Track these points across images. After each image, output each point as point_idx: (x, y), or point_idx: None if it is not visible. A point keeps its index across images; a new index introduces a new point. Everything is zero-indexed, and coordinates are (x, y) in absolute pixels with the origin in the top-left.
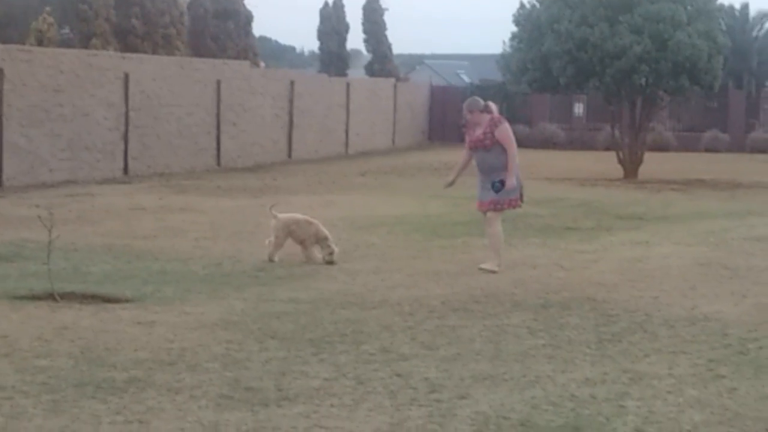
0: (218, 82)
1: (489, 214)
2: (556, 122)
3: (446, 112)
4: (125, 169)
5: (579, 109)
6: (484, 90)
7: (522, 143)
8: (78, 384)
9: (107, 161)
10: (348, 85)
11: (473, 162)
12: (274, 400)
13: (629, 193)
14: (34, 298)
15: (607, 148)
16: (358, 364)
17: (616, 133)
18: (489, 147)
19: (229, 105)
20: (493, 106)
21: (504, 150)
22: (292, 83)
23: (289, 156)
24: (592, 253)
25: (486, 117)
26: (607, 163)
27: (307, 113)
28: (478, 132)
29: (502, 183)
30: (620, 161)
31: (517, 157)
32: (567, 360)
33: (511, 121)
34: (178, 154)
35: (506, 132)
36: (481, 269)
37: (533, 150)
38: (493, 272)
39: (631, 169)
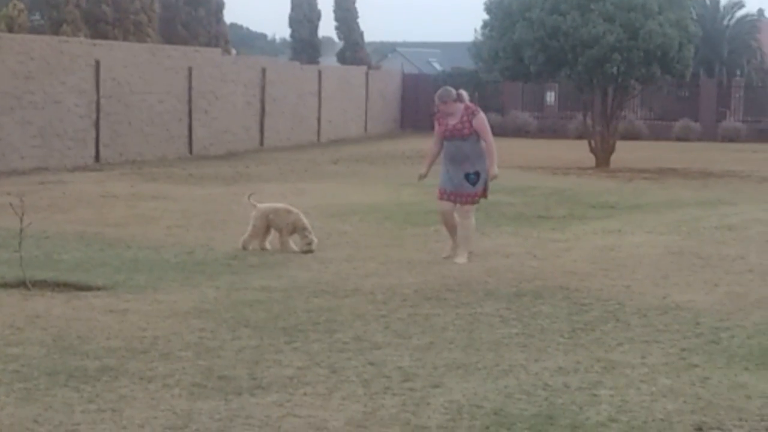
0: (190, 70)
1: (465, 206)
2: (528, 110)
3: (418, 100)
4: (97, 157)
5: (551, 97)
6: (456, 78)
7: (494, 131)
8: (50, 372)
9: (78, 149)
10: (320, 72)
11: (444, 151)
12: (247, 388)
13: (601, 181)
14: (6, 285)
15: (579, 137)
16: (331, 353)
17: (588, 121)
18: (466, 136)
19: (200, 92)
20: (465, 94)
21: (479, 139)
22: (263, 71)
23: (261, 144)
24: (564, 241)
25: (459, 106)
26: (579, 151)
27: (279, 101)
28: (453, 121)
29: (477, 175)
30: (592, 150)
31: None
32: (540, 349)
33: (484, 109)
34: (149, 141)
35: (483, 121)
36: (456, 263)
37: (505, 138)
38: (464, 263)
39: (603, 157)
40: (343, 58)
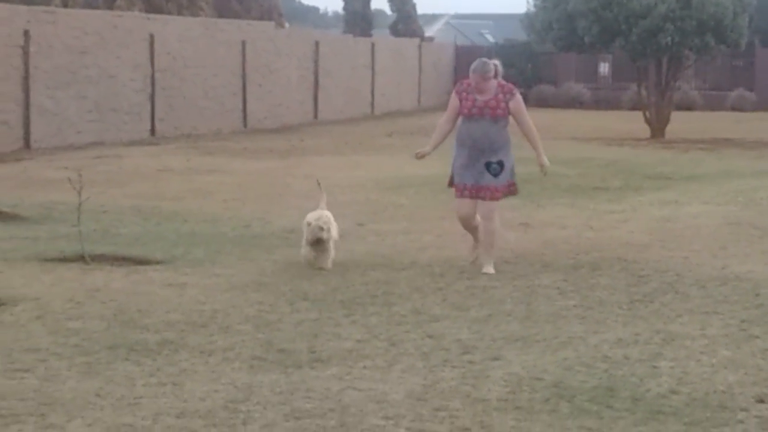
0: (243, 43)
1: (488, 204)
2: (581, 82)
3: None
4: (152, 131)
5: (604, 68)
6: (508, 49)
7: (547, 103)
8: (111, 346)
9: (134, 123)
10: (373, 45)
11: (459, 135)
12: (306, 361)
13: (657, 152)
14: (65, 260)
15: (633, 108)
16: (389, 326)
17: (643, 92)
18: (500, 117)
19: (254, 66)
20: (500, 67)
21: (507, 124)
22: (317, 44)
23: (315, 117)
24: (621, 213)
25: (494, 82)
26: (634, 122)
27: (332, 74)
28: (485, 98)
29: (501, 165)
30: (647, 120)
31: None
32: (599, 321)
33: (537, 81)
34: (204, 115)
35: (522, 103)
36: (484, 274)
37: (559, 110)
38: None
39: (658, 128)
40: (395, 30)
